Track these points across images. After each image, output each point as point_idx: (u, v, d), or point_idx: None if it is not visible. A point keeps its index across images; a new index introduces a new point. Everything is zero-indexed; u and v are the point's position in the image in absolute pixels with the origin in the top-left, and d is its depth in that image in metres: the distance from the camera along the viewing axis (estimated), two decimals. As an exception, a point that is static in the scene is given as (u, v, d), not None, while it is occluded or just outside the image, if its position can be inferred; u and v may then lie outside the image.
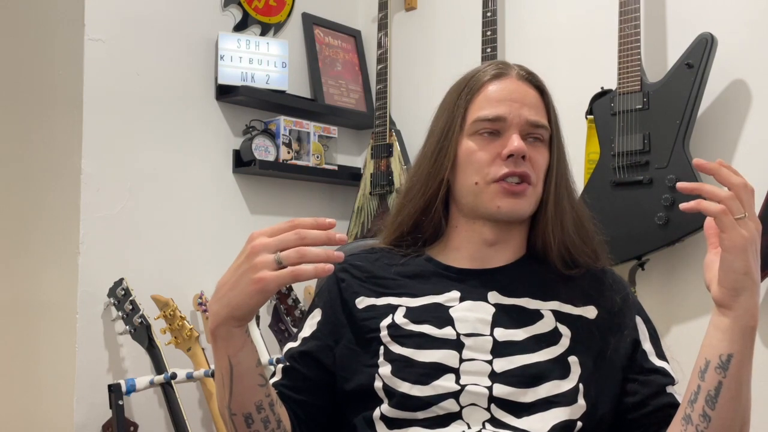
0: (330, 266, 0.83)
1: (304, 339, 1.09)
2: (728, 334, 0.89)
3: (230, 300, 0.88)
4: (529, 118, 1.07)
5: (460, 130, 1.09)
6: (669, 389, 1.02)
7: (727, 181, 0.87)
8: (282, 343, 2.30)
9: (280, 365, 1.08)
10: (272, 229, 0.87)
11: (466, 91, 1.11)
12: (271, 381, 1.06)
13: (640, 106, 1.91)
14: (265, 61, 2.37)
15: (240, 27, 2.41)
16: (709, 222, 0.93)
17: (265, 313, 2.37)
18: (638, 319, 1.08)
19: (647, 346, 1.06)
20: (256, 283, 0.85)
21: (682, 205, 0.87)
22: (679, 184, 0.89)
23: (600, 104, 1.99)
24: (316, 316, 1.11)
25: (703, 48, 1.85)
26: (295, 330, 2.32)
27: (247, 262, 0.86)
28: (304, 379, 1.06)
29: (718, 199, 0.86)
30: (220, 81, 2.29)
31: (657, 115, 1.89)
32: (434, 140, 1.12)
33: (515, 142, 1.04)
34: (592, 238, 1.12)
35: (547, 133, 1.09)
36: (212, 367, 1.97)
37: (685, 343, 1.99)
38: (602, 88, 2.01)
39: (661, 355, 1.06)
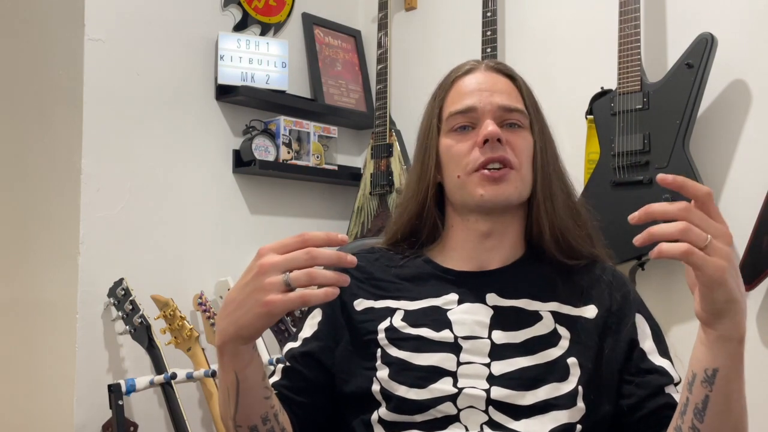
0: (337, 290, 0.82)
1: (305, 339, 1.09)
2: (713, 349, 0.85)
3: (237, 319, 0.85)
4: (500, 103, 1.07)
5: (438, 130, 1.11)
6: (668, 389, 1.00)
7: (694, 193, 0.78)
8: (282, 343, 2.30)
9: (280, 365, 1.08)
10: (281, 244, 0.84)
11: (439, 91, 1.13)
12: (271, 381, 1.06)
13: (640, 106, 1.91)
14: (265, 61, 2.37)
15: (240, 27, 2.41)
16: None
17: (265, 313, 2.37)
18: (638, 317, 1.06)
19: (647, 344, 1.04)
20: (263, 306, 0.82)
21: (651, 254, 0.78)
22: (630, 217, 0.79)
23: (600, 104, 1.99)
24: (316, 316, 1.10)
25: (703, 48, 1.85)
26: (294, 330, 2.32)
27: (255, 282, 0.83)
28: (304, 380, 1.06)
29: (673, 237, 0.77)
30: (220, 81, 2.29)
31: (657, 115, 1.89)
32: (419, 144, 1.14)
33: (489, 127, 1.04)
34: (585, 222, 1.11)
35: (524, 118, 1.09)
36: (212, 367, 1.97)
37: (685, 343, 1.99)
38: (602, 88, 2.01)
39: (663, 353, 1.05)
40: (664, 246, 0.77)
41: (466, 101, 1.08)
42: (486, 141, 1.04)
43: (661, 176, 0.78)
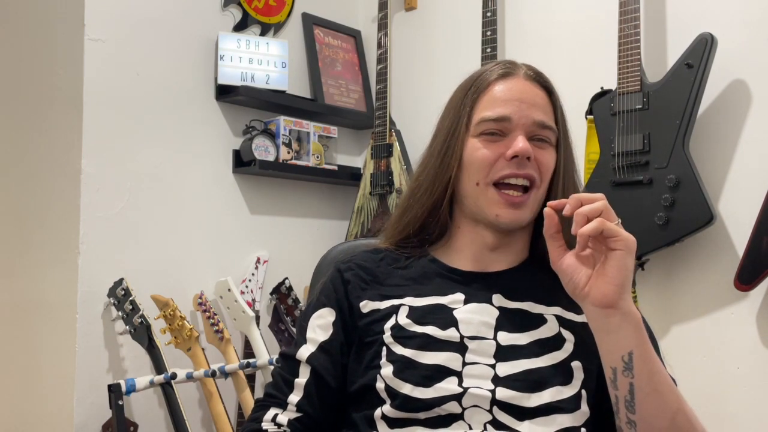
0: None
1: (323, 344, 1.07)
2: (621, 332, 0.90)
3: None
4: (535, 118, 1.05)
5: (465, 130, 1.08)
6: None
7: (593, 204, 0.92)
8: (282, 343, 2.30)
9: (302, 379, 1.06)
10: None
11: (472, 90, 1.10)
12: (294, 398, 1.05)
13: (640, 106, 1.91)
14: (265, 61, 2.37)
15: (240, 27, 2.41)
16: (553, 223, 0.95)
17: (266, 314, 2.37)
18: None
19: None
20: None
21: (586, 231, 0.90)
22: (549, 207, 0.94)
23: (600, 104, 1.99)
24: (327, 316, 1.08)
25: (703, 48, 1.85)
26: (295, 330, 2.32)
27: None
28: (329, 392, 1.05)
29: (597, 213, 0.90)
30: (220, 81, 2.29)
31: (657, 115, 1.89)
32: (441, 140, 1.11)
33: (520, 143, 1.02)
34: None
35: (553, 135, 1.07)
36: (212, 367, 1.97)
37: (684, 343, 1.99)
38: (602, 88, 2.01)
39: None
40: (606, 223, 0.89)
41: (501, 110, 1.05)
42: (514, 157, 1.03)
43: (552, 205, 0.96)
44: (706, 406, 1.88)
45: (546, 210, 0.93)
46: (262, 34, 2.46)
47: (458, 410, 0.96)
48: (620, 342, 0.90)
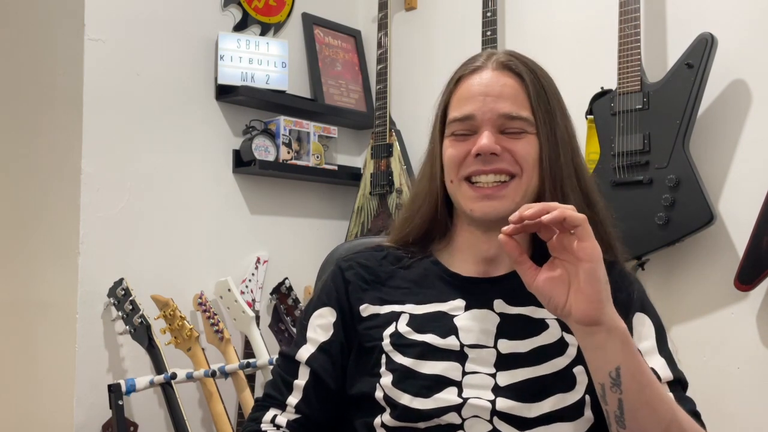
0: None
1: (323, 345, 1.06)
2: (608, 348, 0.88)
3: None
4: (501, 111, 1.02)
5: (440, 133, 1.08)
6: None
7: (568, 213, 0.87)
8: (282, 343, 2.30)
9: (302, 380, 1.05)
10: None
11: (446, 90, 1.10)
12: (292, 400, 1.05)
13: (640, 106, 1.91)
14: (265, 61, 2.37)
15: (240, 27, 2.41)
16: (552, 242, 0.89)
17: (266, 314, 2.37)
18: (638, 317, 1.03)
19: (645, 344, 1.01)
20: None
21: (547, 218, 0.85)
22: (503, 233, 0.89)
23: (600, 104, 1.99)
24: (328, 316, 1.08)
25: (703, 48, 1.85)
26: (294, 330, 2.31)
27: None
28: (327, 394, 1.04)
29: (565, 214, 0.85)
30: (220, 81, 2.29)
31: (657, 115, 1.89)
32: (429, 144, 1.12)
33: (483, 139, 1.00)
34: (603, 228, 1.06)
35: (528, 125, 1.03)
36: (212, 367, 1.97)
37: (684, 343, 1.99)
38: (602, 88, 2.01)
39: (662, 350, 1.02)
40: (568, 210, 0.85)
41: (466, 108, 1.04)
42: (479, 154, 1.01)
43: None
44: (706, 406, 1.87)
45: (500, 237, 0.88)
46: (262, 34, 2.46)
47: (458, 421, 0.95)
48: (607, 358, 0.88)
